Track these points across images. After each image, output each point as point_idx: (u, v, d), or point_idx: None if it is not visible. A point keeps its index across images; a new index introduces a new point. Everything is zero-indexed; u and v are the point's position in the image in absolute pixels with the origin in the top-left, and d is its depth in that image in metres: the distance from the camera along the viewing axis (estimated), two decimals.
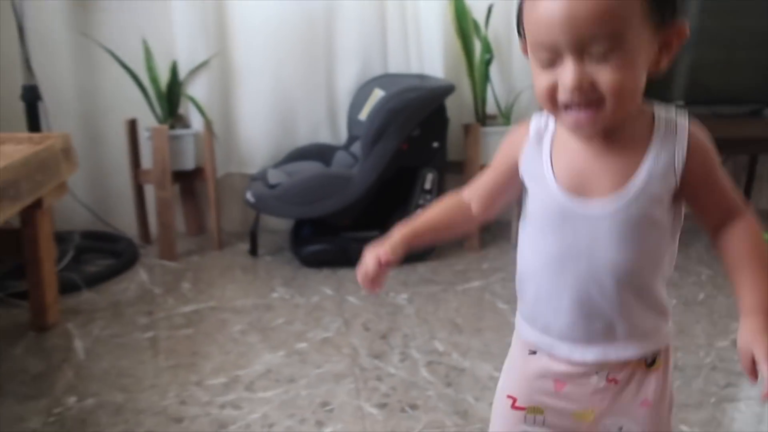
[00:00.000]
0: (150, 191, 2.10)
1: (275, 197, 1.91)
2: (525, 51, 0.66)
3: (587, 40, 0.58)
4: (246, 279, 1.94)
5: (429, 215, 0.79)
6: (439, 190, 2.00)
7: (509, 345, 1.58)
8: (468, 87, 2.14)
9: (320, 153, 2.16)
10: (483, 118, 2.13)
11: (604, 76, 0.59)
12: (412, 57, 2.18)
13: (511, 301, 1.76)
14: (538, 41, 0.61)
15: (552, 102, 0.62)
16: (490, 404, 1.29)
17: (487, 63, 2.07)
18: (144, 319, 1.66)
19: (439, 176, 1.99)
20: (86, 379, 1.38)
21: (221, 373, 1.42)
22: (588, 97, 0.60)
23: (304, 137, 2.24)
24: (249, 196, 1.97)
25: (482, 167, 2.09)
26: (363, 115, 2.09)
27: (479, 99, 2.12)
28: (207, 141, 2.05)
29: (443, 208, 0.79)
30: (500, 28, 2.16)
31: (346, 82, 2.21)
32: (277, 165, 2.13)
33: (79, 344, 1.53)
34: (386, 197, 2.00)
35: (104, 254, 2.04)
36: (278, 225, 2.27)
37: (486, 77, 2.09)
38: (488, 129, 2.10)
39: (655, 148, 0.65)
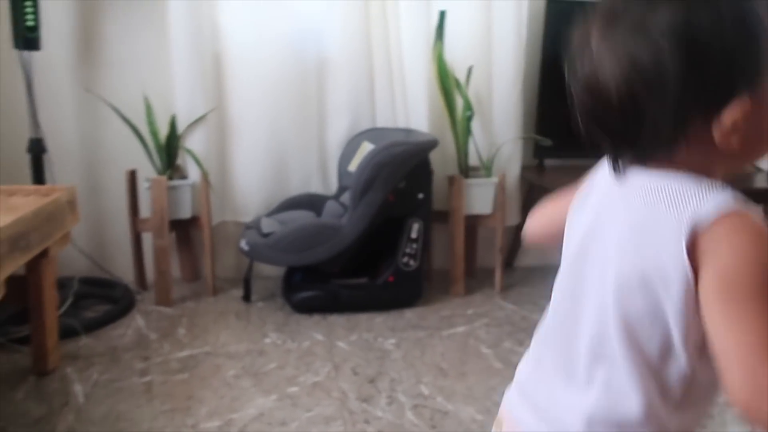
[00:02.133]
0: (147, 239, 2.19)
1: (268, 246, 2.00)
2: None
3: None
4: (239, 325, 2.01)
5: None
6: (425, 238, 2.11)
7: (491, 388, 1.66)
8: (451, 141, 2.28)
9: (311, 202, 2.27)
10: (466, 170, 2.26)
11: None
12: (399, 112, 2.32)
13: (494, 345, 1.85)
14: None
15: None
16: None
17: (469, 119, 2.21)
18: (141, 364, 1.72)
19: (424, 226, 2.09)
20: (86, 423, 1.44)
21: (215, 416, 1.48)
22: None
23: (296, 187, 2.35)
24: (243, 244, 2.06)
25: (466, 217, 2.22)
26: (352, 167, 2.21)
27: (462, 152, 2.24)
28: (203, 191, 2.15)
29: None
30: (481, 87, 2.31)
31: (337, 135, 2.34)
32: (270, 214, 2.22)
33: (78, 389, 1.58)
34: (374, 245, 2.10)
35: (102, 300, 2.10)
36: (271, 272, 2.35)
37: (468, 132, 2.23)
38: (471, 180, 2.23)
39: None
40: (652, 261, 0.54)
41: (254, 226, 2.15)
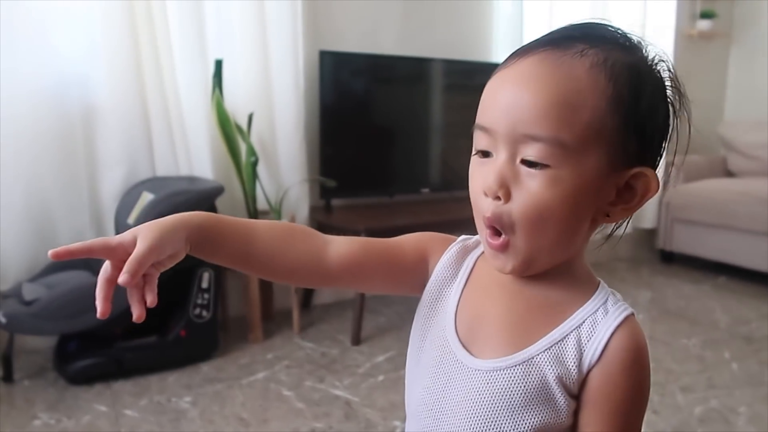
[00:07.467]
0: None
1: (33, 314, 1.76)
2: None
3: (521, 137, 0.51)
4: None
5: (248, 220, 0.62)
6: (218, 287, 2.04)
7: (294, 430, 1.65)
8: (238, 186, 2.26)
9: (86, 261, 2.05)
10: (255, 215, 2.25)
11: (526, 186, 0.51)
12: (181, 160, 2.24)
13: (295, 386, 1.84)
14: (479, 123, 0.54)
15: (477, 209, 0.55)
16: None
17: (254, 164, 2.22)
18: None
19: (216, 273, 2.03)
20: None
21: None
22: (501, 216, 0.52)
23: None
24: (0, 316, 1.78)
25: None
26: (131, 220, 2.06)
27: (250, 197, 2.24)
28: None
29: (274, 223, 0.63)
30: (264, 133, 2.35)
31: (112, 186, 2.17)
32: (35, 278, 1.96)
33: None
34: (162, 299, 1.96)
35: None
36: (38, 343, 2.06)
37: (254, 177, 2.24)
38: None
39: (569, 324, 0.55)
40: None
41: (13, 294, 1.87)
